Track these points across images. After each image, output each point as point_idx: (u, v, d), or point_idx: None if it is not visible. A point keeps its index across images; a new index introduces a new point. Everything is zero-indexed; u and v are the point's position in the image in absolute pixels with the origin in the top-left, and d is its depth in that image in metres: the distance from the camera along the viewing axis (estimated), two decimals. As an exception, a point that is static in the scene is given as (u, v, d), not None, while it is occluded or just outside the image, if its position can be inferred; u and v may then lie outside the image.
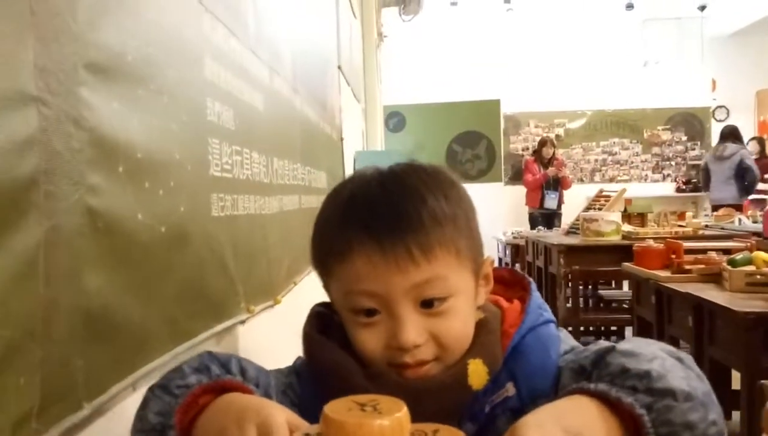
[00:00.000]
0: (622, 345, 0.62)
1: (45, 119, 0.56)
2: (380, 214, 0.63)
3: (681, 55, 8.22)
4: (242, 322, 1.18)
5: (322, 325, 0.72)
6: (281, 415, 0.51)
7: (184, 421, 0.57)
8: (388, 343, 0.63)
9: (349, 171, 3.04)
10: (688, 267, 2.68)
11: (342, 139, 2.85)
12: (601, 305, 4.86)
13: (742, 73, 8.10)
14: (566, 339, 0.73)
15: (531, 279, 0.79)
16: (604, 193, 4.86)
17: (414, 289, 0.62)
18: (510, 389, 0.66)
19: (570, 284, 3.99)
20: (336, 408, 0.47)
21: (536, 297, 0.74)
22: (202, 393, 0.59)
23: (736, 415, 2.21)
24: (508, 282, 0.78)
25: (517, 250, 5.76)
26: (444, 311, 0.63)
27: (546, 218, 7.18)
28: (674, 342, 2.66)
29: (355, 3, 4.43)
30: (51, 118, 0.57)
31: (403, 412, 0.46)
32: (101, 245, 0.66)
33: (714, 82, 8.26)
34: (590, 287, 4.89)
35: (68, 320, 0.60)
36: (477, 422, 0.65)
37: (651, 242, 3.05)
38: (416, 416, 0.52)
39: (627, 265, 3.13)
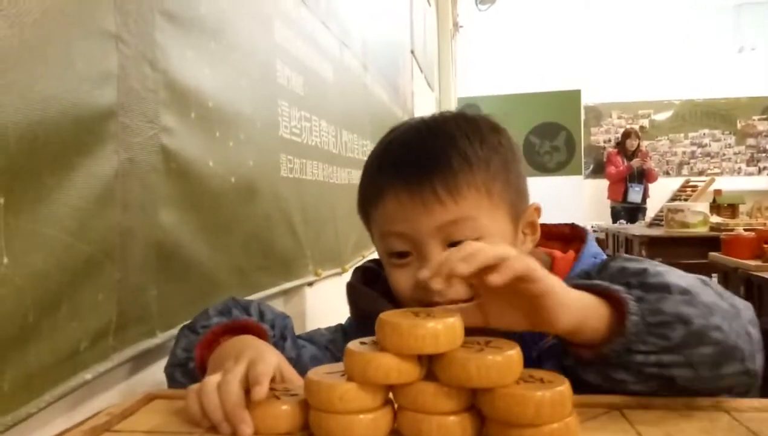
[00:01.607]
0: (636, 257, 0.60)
1: (123, 56, 0.60)
2: (410, 156, 0.63)
3: (780, 40, 7.66)
4: (310, 284, 1.21)
5: (367, 278, 0.73)
6: (273, 359, 0.53)
7: (205, 356, 0.60)
8: (418, 282, 0.60)
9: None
10: (782, 256, 2.50)
11: (414, 124, 2.86)
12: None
13: None
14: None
15: (589, 230, 0.77)
16: (691, 184, 4.61)
17: (442, 229, 0.61)
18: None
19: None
20: (391, 314, 0.48)
21: (591, 246, 0.71)
22: (223, 332, 0.62)
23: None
24: (567, 237, 0.76)
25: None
26: None
27: (629, 212, 6.87)
28: (764, 334, 2.50)
29: (430, -8, 4.42)
30: (128, 55, 0.61)
31: (456, 318, 0.46)
32: (174, 184, 0.70)
33: (817, 69, 7.65)
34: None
35: (143, 249, 0.65)
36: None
37: (740, 230, 2.87)
38: None
39: (714, 254, 2.96)
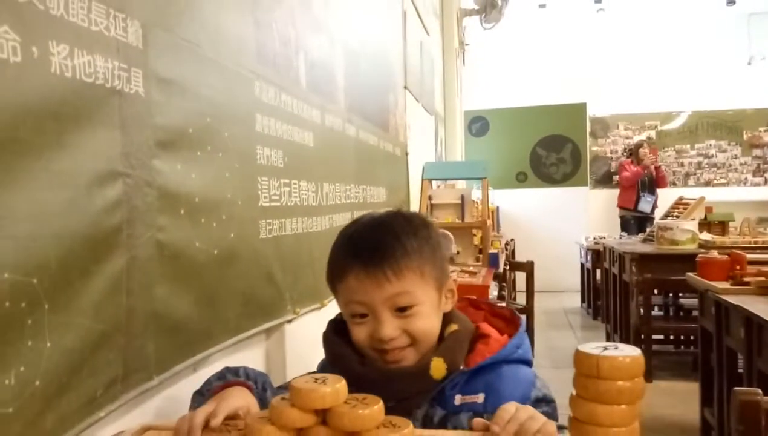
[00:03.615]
0: None
1: (128, 186, 0.85)
2: (367, 248, 0.89)
3: (791, 52, 7.72)
4: (289, 321, 1.45)
5: (338, 328, 0.98)
6: (239, 401, 0.81)
7: None
8: (372, 335, 0.88)
9: (414, 182, 3.28)
10: (747, 279, 2.69)
11: (407, 154, 3.09)
12: (681, 313, 4.78)
13: None
14: (541, 387, 0.94)
15: (522, 321, 1.01)
16: (683, 201, 4.76)
17: (390, 299, 0.87)
18: (480, 398, 0.89)
19: (642, 293, 4.01)
20: (299, 380, 0.72)
21: (519, 338, 0.96)
22: (219, 390, 0.86)
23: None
24: (507, 319, 1.02)
25: (598, 256, 5.72)
26: (412, 314, 0.89)
27: (639, 221, 6.99)
28: (731, 354, 2.69)
29: (431, 18, 4.64)
30: (131, 184, 0.86)
31: (341, 384, 0.70)
32: (167, 266, 0.95)
33: (827, 80, 7.70)
34: (671, 295, 4.83)
35: (143, 319, 0.90)
36: (445, 408, 0.89)
37: (715, 253, 3.05)
38: (394, 393, 0.81)
39: (690, 275, 3.14)
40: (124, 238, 0.85)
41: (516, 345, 0.94)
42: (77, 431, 0.76)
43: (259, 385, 0.92)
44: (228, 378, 0.91)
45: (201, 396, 0.91)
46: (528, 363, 0.95)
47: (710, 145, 7.95)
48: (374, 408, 0.69)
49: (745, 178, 7.86)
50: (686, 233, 4.06)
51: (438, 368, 0.88)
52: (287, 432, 0.70)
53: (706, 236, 4.21)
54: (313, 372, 0.87)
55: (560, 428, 0.74)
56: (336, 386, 0.70)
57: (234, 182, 1.17)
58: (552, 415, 0.87)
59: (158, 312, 0.93)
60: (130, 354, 0.86)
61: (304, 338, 1.57)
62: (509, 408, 0.75)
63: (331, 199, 1.76)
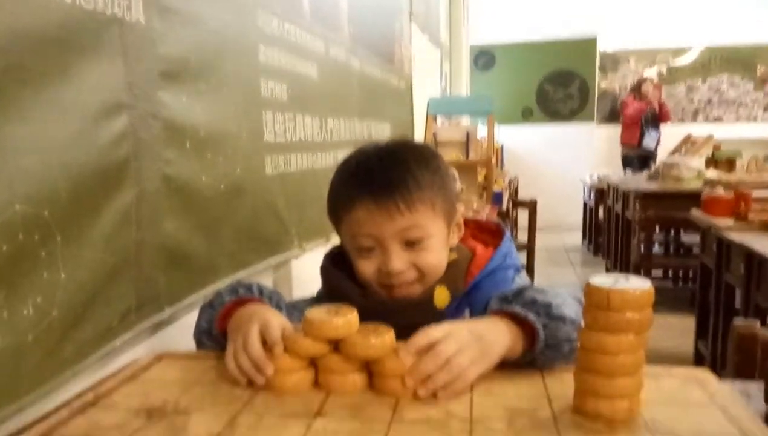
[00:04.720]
0: (539, 286, 0.83)
1: (133, 118, 0.84)
2: (377, 177, 0.85)
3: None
4: (296, 257, 1.46)
5: (335, 260, 0.96)
6: (277, 318, 0.77)
7: (222, 324, 0.86)
8: (380, 269, 0.85)
9: (418, 118, 3.24)
10: (751, 216, 2.69)
11: (412, 88, 3.03)
12: (681, 250, 4.81)
13: None
14: (519, 282, 0.93)
15: (507, 231, 1.00)
16: (692, 138, 4.71)
17: (400, 232, 0.83)
18: (467, 315, 0.88)
19: (644, 230, 4.02)
20: (312, 312, 0.73)
21: (505, 246, 0.95)
22: (233, 306, 0.85)
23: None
24: (494, 232, 1.00)
25: (601, 194, 5.71)
26: (422, 248, 0.85)
27: (641, 160, 6.92)
28: (729, 289, 2.73)
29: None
30: (137, 116, 0.85)
31: (353, 314, 0.71)
32: (175, 199, 0.95)
33: None
34: (672, 232, 4.85)
35: (153, 251, 0.90)
36: None
37: (721, 191, 3.04)
38: (396, 325, 0.74)
39: (695, 211, 3.14)
40: (132, 171, 0.84)
41: (503, 254, 0.92)
42: (94, 359, 0.77)
43: (273, 303, 0.88)
44: (240, 293, 0.86)
45: (212, 309, 0.85)
46: (516, 269, 0.94)
47: (722, 80, 7.77)
48: (386, 337, 0.70)
49: (756, 115, 7.74)
50: (692, 170, 4.03)
51: (442, 296, 0.87)
52: (301, 360, 0.72)
53: (712, 173, 4.18)
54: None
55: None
56: (348, 317, 0.71)
57: (238, 116, 1.15)
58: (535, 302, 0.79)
59: (167, 245, 0.94)
60: (141, 286, 0.87)
61: (311, 274, 1.58)
62: (432, 332, 0.70)
63: (335, 135, 1.74)
